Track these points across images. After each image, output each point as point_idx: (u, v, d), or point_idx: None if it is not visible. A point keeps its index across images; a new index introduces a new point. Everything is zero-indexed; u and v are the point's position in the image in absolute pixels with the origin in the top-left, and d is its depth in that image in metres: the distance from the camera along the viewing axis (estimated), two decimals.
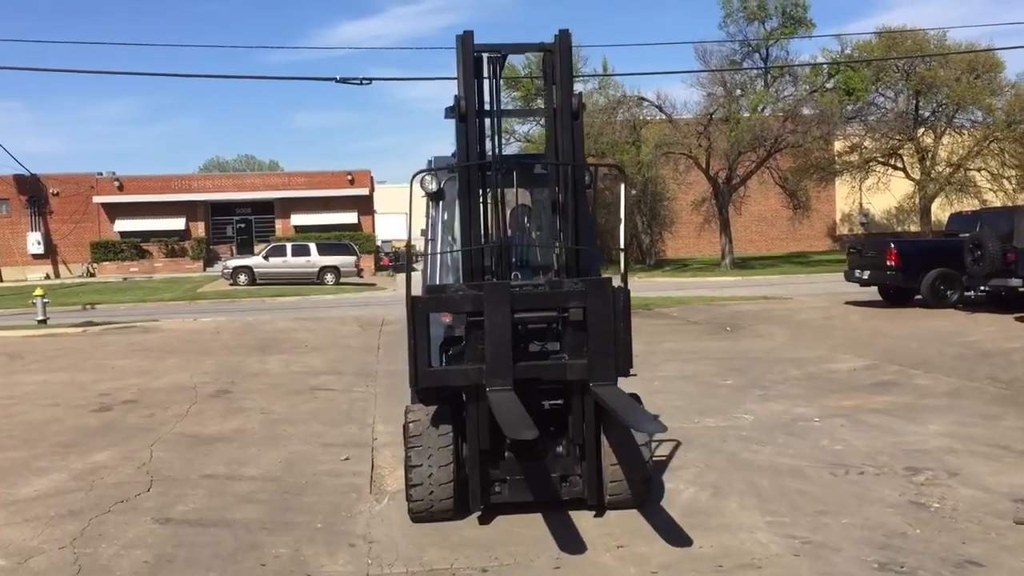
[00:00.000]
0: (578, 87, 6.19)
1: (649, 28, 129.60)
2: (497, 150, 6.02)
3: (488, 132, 5.94)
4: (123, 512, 6.35)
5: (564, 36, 5.75)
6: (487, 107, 5.91)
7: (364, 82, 22.26)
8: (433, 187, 6.45)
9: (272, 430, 9.03)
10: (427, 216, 7.11)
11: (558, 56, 5.77)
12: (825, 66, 37.51)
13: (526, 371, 5.57)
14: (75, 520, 6.21)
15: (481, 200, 5.76)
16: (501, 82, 6.01)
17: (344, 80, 22.03)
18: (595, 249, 6.14)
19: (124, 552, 5.59)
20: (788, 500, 6.32)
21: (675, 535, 5.67)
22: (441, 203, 6.53)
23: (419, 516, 5.91)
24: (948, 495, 6.34)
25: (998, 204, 38.07)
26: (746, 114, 35.32)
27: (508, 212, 6.18)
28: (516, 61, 33.13)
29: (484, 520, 5.94)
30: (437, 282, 6.41)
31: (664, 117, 38.40)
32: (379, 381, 12.07)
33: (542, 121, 39.64)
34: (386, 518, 6.18)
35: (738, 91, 36.76)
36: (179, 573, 5.27)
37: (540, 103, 5.93)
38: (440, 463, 5.77)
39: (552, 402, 5.96)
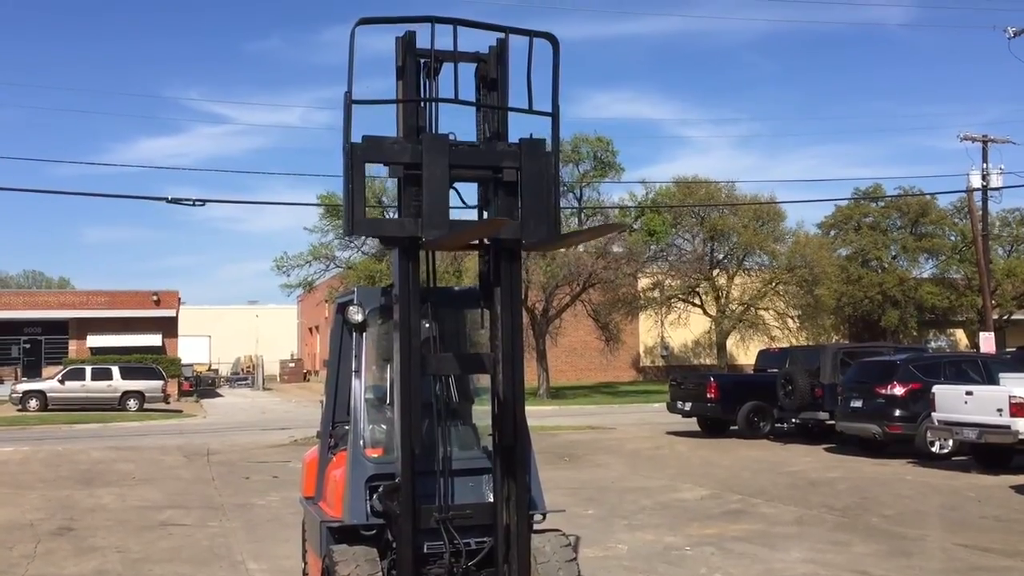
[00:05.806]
0: None
1: None
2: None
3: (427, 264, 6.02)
4: None
5: (502, 45, 5.93)
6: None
7: (197, 203, 21.87)
8: (359, 318, 6.47)
9: (137, 570, 8.48)
10: (335, 347, 7.12)
11: (494, 67, 5.83)
12: (632, 208, 40.03)
13: (460, 226, 5.59)
14: None
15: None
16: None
17: (175, 200, 21.54)
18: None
19: None
20: None
21: None
22: (365, 335, 6.56)
23: None
24: None
25: (784, 341, 41.34)
26: (561, 250, 36.99)
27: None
28: None
29: None
30: (356, 412, 6.36)
31: None
32: (231, 515, 11.56)
33: (367, 250, 40.18)
34: None
35: None
36: None
37: None
38: None
39: (479, 540, 5.99)
